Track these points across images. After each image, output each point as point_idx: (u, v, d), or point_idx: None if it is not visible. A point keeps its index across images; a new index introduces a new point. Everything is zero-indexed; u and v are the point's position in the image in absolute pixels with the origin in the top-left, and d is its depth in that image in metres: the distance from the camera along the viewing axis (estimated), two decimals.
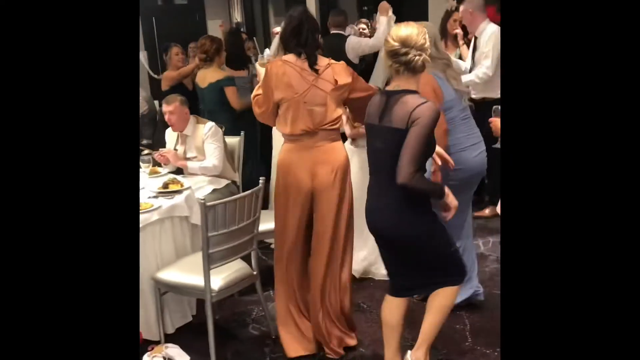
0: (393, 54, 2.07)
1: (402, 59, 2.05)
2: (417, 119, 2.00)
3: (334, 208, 2.56)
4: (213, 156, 3.43)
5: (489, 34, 3.88)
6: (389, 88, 2.15)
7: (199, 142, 3.46)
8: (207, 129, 3.45)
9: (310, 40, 2.50)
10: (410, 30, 2.06)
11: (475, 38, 4.00)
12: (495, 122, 2.39)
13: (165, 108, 3.45)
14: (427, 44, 2.07)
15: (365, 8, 9.30)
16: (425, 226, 2.18)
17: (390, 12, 4.12)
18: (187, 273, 2.66)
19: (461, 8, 3.99)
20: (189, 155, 3.51)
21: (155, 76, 5.72)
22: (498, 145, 2.41)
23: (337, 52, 3.91)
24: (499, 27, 3.77)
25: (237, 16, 8.19)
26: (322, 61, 2.51)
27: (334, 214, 2.56)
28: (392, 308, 2.29)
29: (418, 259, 2.21)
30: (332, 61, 2.53)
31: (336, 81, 2.48)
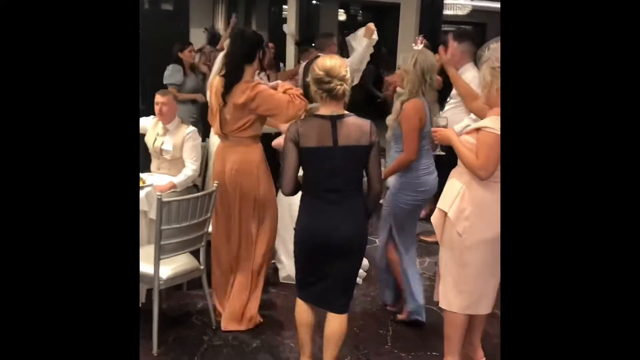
0: (318, 82, 2.35)
1: (325, 87, 2.33)
2: (375, 134, 2.37)
3: (234, 203, 3.03)
4: (192, 160, 3.70)
5: (470, 77, 4.09)
6: (323, 113, 2.36)
7: (177, 140, 3.71)
8: (190, 131, 3.73)
9: (233, 65, 2.94)
10: (334, 62, 2.36)
11: None
12: (440, 132, 2.56)
13: (159, 99, 3.70)
14: (348, 76, 2.36)
15: (346, 31, 9.66)
16: (366, 239, 2.50)
17: (375, 35, 4.26)
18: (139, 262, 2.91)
19: (453, 43, 4.05)
20: (164, 147, 3.76)
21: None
22: (438, 151, 2.66)
23: None
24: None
25: (220, 25, 8.47)
26: (242, 80, 2.91)
27: (236, 210, 3.04)
28: (305, 308, 2.57)
29: (349, 269, 2.49)
30: (248, 79, 2.92)
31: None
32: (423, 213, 4.58)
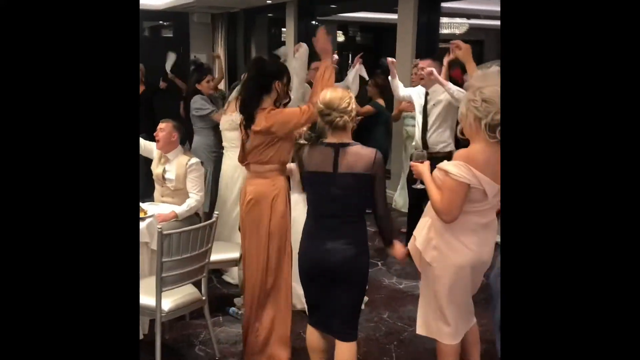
0: (320, 114, 2.42)
1: (326, 119, 2.39)
2: (380, 164, 2.38)
3: (254, 234, 2.94)
4: (197, 191, 3.73)
5: (443, 102, 4.17)
6: (329, 141, 2.43)
7: (179, 170, 3.74)
8: (193, 162, 3.75)
9: (248, 95, 2.90)
10: (334, 94, 2.40)
11: (427, 94, 4.29)
12: (416, 166, 2.56)
13: (159, 126, 3.78)
14: (351, 107, 2.40)
15: (344, 52, 9.76)
16: (367, 266, 2.50)
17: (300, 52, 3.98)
18: (141, 294, 2.92)
19: (428, 63, 4.17)
20: (167, 176, 3.79)
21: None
22: (418, 185, 2.66)
23: None
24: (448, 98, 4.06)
25: (220, 51, 8.56)
26: (260, 109, 2.86)
27: (255, 240, 2.94)
28: (315, 335, 2.58)
29: (349, 296, 2.49)
30: (268, 108, 2.84)
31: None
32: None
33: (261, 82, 2.86)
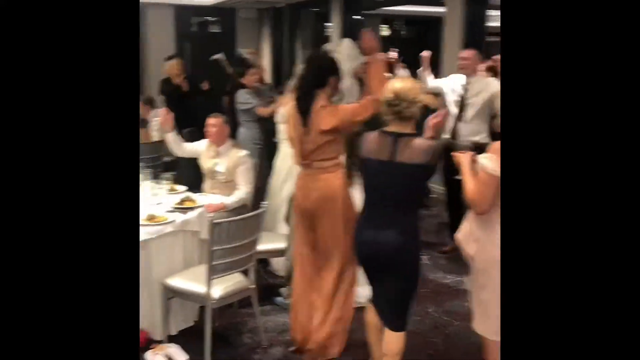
0: (387, 103, 2.42)
1: (394, 109, 2.40)
2: (438, 156, 2.40)
3: (326, 231, 2.92)
4: (245, 184, 3.81)
5: (483, 93, 4.18)
6: (390, 130, 2.44)
7: (230, 163, 3.83)
8: (243, 155, 3.83)
9: (303, 91, 2.88)
10: (404, 85, 2.42)
11: (467, 84, 4.31)
12: (458, 156, 2.47)
13: (209, 121, 3.86)
14: (420, 98, 2.41)
15: (391, 48, 9.66)
16: (417, 258, 2.52)
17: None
18: (192, 281, 3.00)
19: (470, 53, 4.34)
20: (218, 169, 3.88)
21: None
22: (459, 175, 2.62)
23: None
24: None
25: (265, 46, 8.64)
26: (317, 105, 2.84)
27: (327, 236, 2.92)
28: (373, 312, 2.64)
29: (397, 285, 2.50)
30: (325, 104, 2.84)
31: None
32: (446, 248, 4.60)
33: (318, 77, 2.88)
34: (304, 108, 2.87)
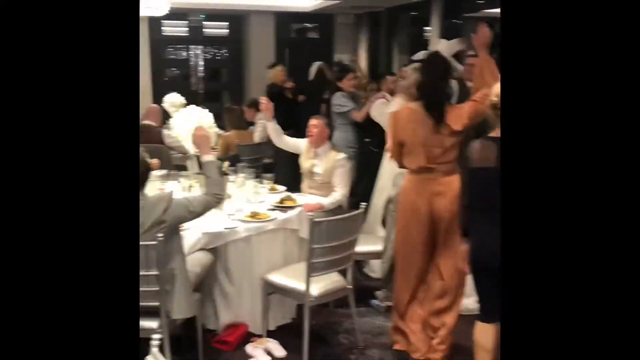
0: (493, 107, 2.35)
1: (499, 112, 2.31)
2: None
3: (450, 236, 2.87)
4: (342, 186, 3.83)
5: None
6: (495, 135, 2.33)
7: (328, 165, 3.87)
8: (341, 158, 3.86)
9: (435, 91, 2.83)
10: None
11: None
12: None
13: (312, 122, 3.93)
14: None
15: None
16: None
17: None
18: (291, 278, 3.06)
19: None
20: (315, 170, 3.94)
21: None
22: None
23: None
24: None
25: (363, 52, 8.68)
26: (447, 107, 2.81)
27: (451, 241, 2.86)
28: (485, 332, 2.50)
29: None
30: (454, 105, 2.82)
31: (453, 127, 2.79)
32: None
33: (444, 78, 2.88)
34: (435, 109, 2.82)
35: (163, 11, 5.89)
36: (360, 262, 4.17)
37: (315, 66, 6.17)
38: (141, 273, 2.48)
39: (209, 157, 2.82)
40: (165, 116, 5.43)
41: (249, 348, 3.08)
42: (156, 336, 1.73)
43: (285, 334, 3.24)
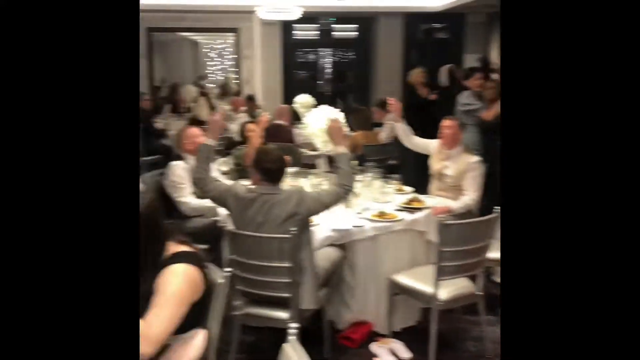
0: None
1: None
2: None
3: None
4: (473, 190, 3.71)
5: None
6: None
7: (460, 167, 3.77)
8: (474, 161, 3.75)
9: None
10: None
11: None
12: None
13: (445, 123, 3.86)
14: None
15: None
16: None
17: None
18: (419, 280, 3.01)
19: None
20: (446, 172, 3.85)
21: None
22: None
23: None
24: None
25: (494, 53, 8.35)
26: None
27: None
28: None
29: None
30: None
31: None
32: None
33: None
34: None
35: (295, 15, 6.10)
36: (490, 269, 4.00)
37: (445, 68, 6.05)
38: (274, 264, 2.59)
39: (342, 149, 2.86)
40: (295, 117, 5.61)
41: (374, 347, 3.08)
42: (293, 325, 1.78)
43: (410, 337, 3.20)
